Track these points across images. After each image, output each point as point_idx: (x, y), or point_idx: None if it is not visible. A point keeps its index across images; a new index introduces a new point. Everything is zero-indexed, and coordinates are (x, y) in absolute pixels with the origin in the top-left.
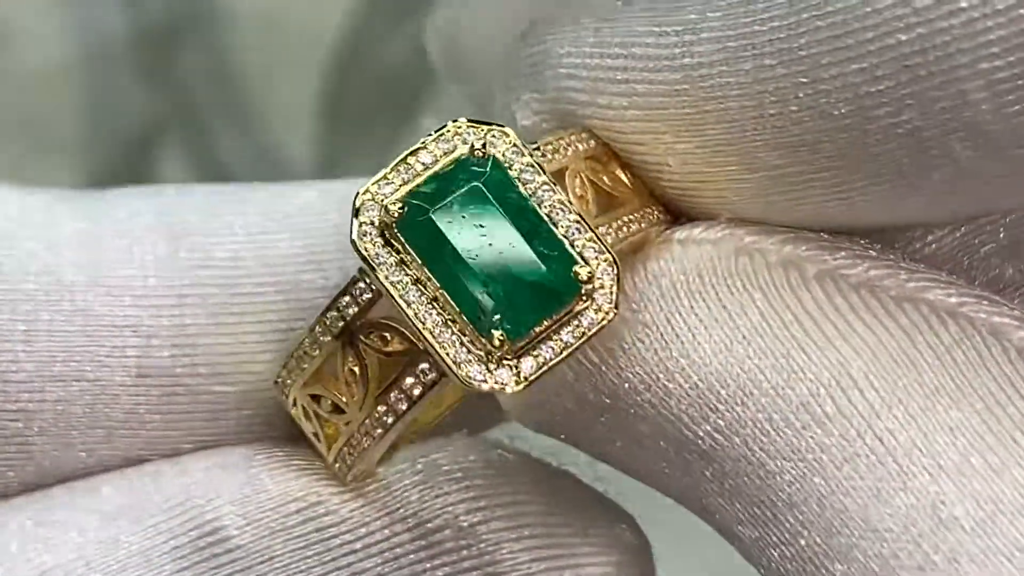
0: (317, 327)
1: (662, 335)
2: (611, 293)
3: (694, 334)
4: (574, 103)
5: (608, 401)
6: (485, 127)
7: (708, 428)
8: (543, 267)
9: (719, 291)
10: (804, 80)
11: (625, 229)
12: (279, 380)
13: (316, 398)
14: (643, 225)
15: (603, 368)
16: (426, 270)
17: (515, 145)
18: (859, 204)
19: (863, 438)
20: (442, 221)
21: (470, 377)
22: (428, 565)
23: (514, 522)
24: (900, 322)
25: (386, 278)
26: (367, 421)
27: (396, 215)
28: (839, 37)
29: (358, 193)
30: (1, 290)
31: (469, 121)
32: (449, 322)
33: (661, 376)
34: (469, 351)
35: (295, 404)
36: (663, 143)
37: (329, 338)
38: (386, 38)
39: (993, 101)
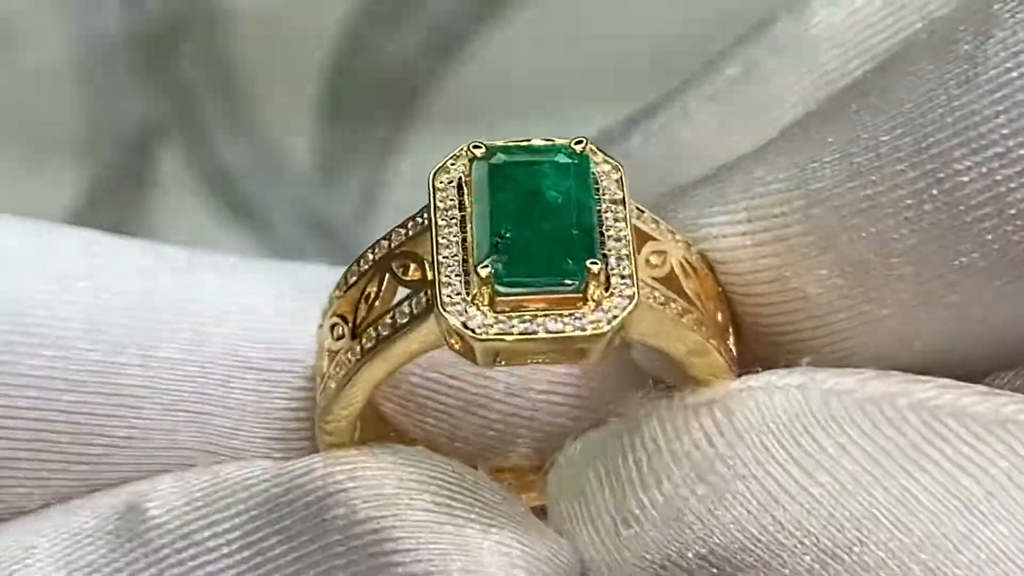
0: (362, 258)
1: (767, 490)
2: (619, 312)
3: (801, 484)
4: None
5: (711, 562)
6: (601, 153)
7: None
8: (569, 248)
9: (816, 435)
10: (939, 176)
11: (682, 309)
12: (323, 312)
13: (332, 328)
14: (701, 329)
15: (705, 527)
16: (473, 205)
17: (614, 169)
18: (997, 312)
19: (997, 564)
20: (511, 170)
21: (446, 301)
22: (321, 544)
23: (416, 510)
24: (1004, 444)
25: (435, 208)
26: (351, 347)
27: (476, 155)
28: (970, 128)
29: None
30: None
31: (592, 143)
32: (462, 260)
33: (772, 530)
34: (463, 282)
35: (320, 348)
36: (793, 274)
37: (367, 266)
38: (386, 38)
39: None
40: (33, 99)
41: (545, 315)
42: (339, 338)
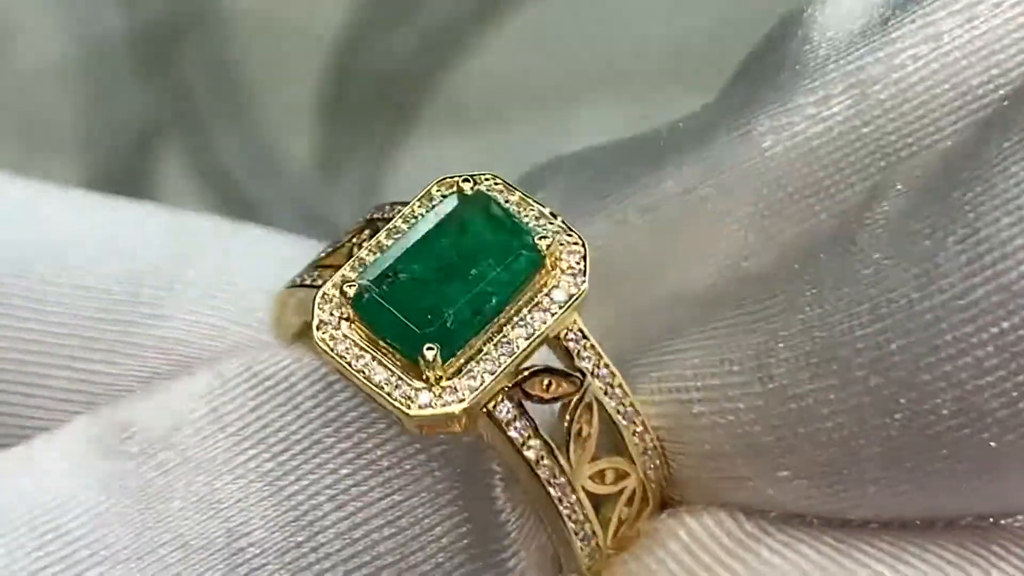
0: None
1: None
2: (434, 407)
3: None
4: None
5: None
6: (573, 237)
7: None
8: (428, 328)
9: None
10: (904, 385)
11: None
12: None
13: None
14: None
15: None
16: (415, 224)
17: (575, 284)
18: (967, 500)
19: None
20: (469, 222)
21: (320, 293)
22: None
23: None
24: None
25: (401, 215)
26: (300, 274)
27: (463, 186)
28: (937, 335)
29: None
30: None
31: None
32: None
33: None
34: (344, 279)
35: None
36: (754, 475)
37: (362, 221)
38: (386, 38)
39: None
40: (33, 99)
41: (383, 364)
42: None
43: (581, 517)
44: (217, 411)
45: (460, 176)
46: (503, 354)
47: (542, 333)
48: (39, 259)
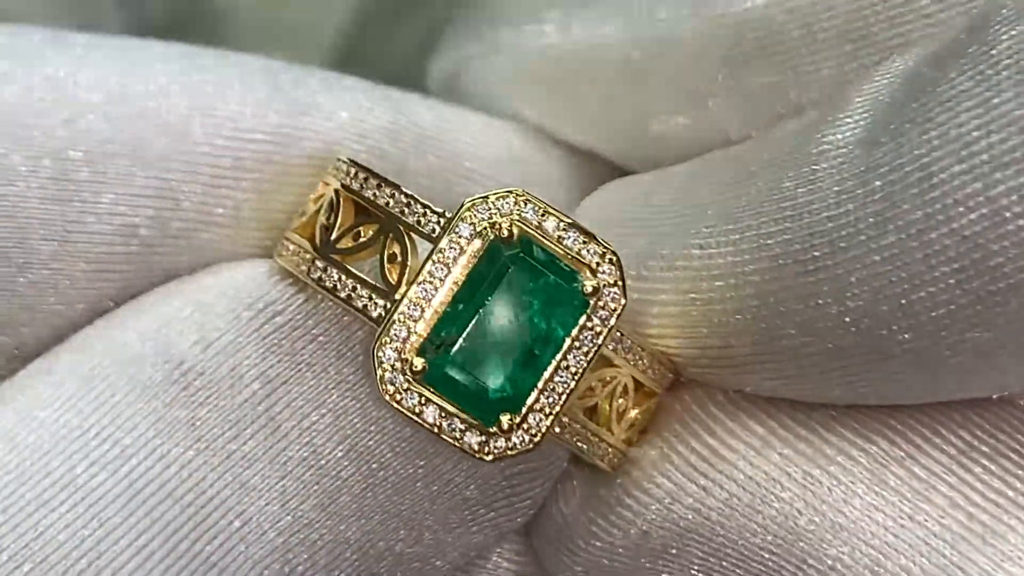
0: (385, 189)
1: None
2: (507, 451)
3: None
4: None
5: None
6: (604, 250)
7: None
8: (495, 399)
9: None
10: (860, 313)
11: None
12: (337, 164)
13: (332, 206)
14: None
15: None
16: (461, 284)
17: (617, 300)
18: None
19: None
20: (517, 277)
21: (379, 350)
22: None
23: None
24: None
25: (438, 251)
26: (317, 262)
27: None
28: (893, 272)
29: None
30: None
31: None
32: (422, 320)
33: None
34: (403, 344)
35: (325, 194)
36: (738, 381)
37: (383, 204)
38: (386, 38)
39: None
40: None
41: (453, 416)
42: (326, 227)
43: (614, 459)
44: (269, 354)
45: (485, 196)
46: (562, 389)
47: (592, 359)
48: None
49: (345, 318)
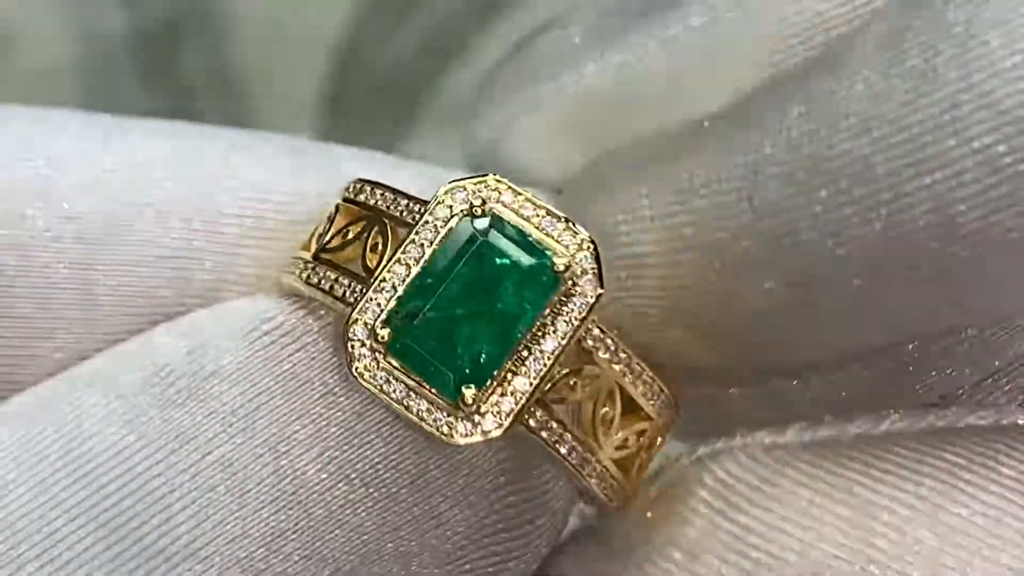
0: (377, 189)
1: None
2: (475, 435)
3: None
4: (639, 266)
5: None
6: (580, 237)
7: None
8: (463, 366)
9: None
10: (886, 197)
11: (558, 441)
12: (346, 186)
13: (330, 218)
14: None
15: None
16: (435, 255)
17: (593, 289)
18: (932, 317)
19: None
20: (488, 250)
21: (353, 331)
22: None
23: None
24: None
25: (422, 224)
26: (308, 262)
27: (474, 211)
28: (921, 148)
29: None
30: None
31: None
32: (392, 295)
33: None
34: (375, 319)
35: (329, 210)
36: (738, 289)
37: (372, 203)
38: (386, 38)
39: None
40: (33, 99)
41: (420, 395)
42: (322, 234)
43: (609, 485)
44: (254, 359)
45: (462, 181)
46: (533, 372)
47: (565, 345)
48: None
49: (332, 327)
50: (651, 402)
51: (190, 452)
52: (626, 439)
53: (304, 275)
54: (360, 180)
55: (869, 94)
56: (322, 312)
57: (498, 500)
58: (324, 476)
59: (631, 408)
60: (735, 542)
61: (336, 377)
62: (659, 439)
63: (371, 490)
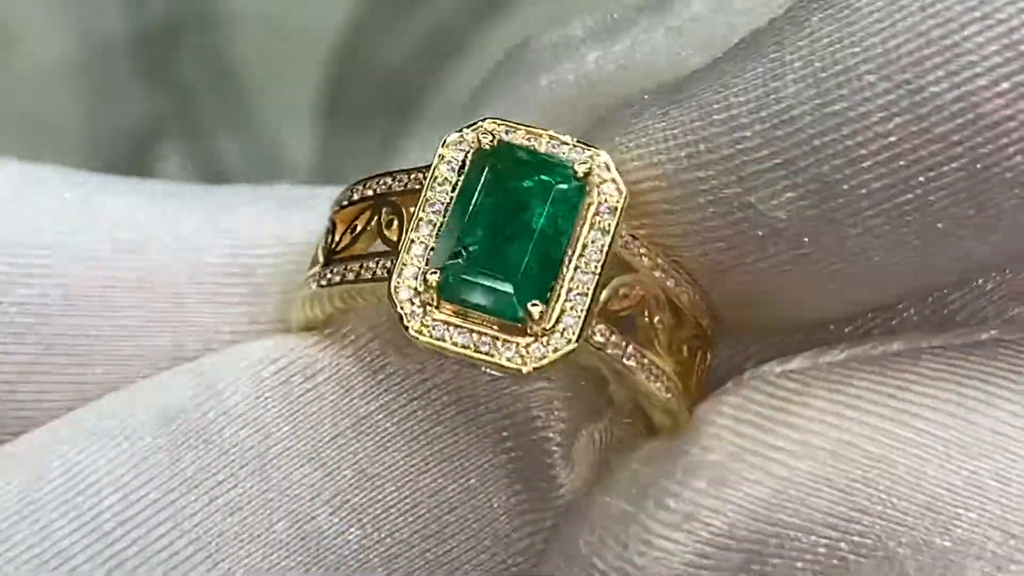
0: (368, 182)
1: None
2: (551, 354)
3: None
4: (658, 191)
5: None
6: (591, 151)
7: None
8: (523, 283)
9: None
10: (910, 87)
11: (627, 353)
12: (331, 205)
13: (328, 232)
14: (640, 374)
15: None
16: (457, 199)
17: (616, 193)
18: (959, 233)
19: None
20: (506, 178)
21: (399, 291)
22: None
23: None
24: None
25: (432, 180)
26: (324, 271)
27: (483, 146)
28: (944, 36)
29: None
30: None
31: (605, 161)
32: (429, 249)
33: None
34: (421, 273)
35: (322, 232)
36: (759, 200)
37: (370, 193)
38: (386, 38)
39: None
40: (33, 99)
41: (482, 334)
42: (325, 248)
43: (678, 397)
44: (264, 399)
45: (458, 132)
46: (586, 284)
47: (607, 252)
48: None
49: (347, 368)
50: (697, 309)
51: (199, 496)
52: (680, 348)
53: (323, 283)
54: (348, 185)
55: None
56: (333, 349)
57: (511, 544)
58: (336, 521)
59: (678, 317)
60: (763, 462)
61: (348, 420)
62: (709, 354)
63: (384, 535)
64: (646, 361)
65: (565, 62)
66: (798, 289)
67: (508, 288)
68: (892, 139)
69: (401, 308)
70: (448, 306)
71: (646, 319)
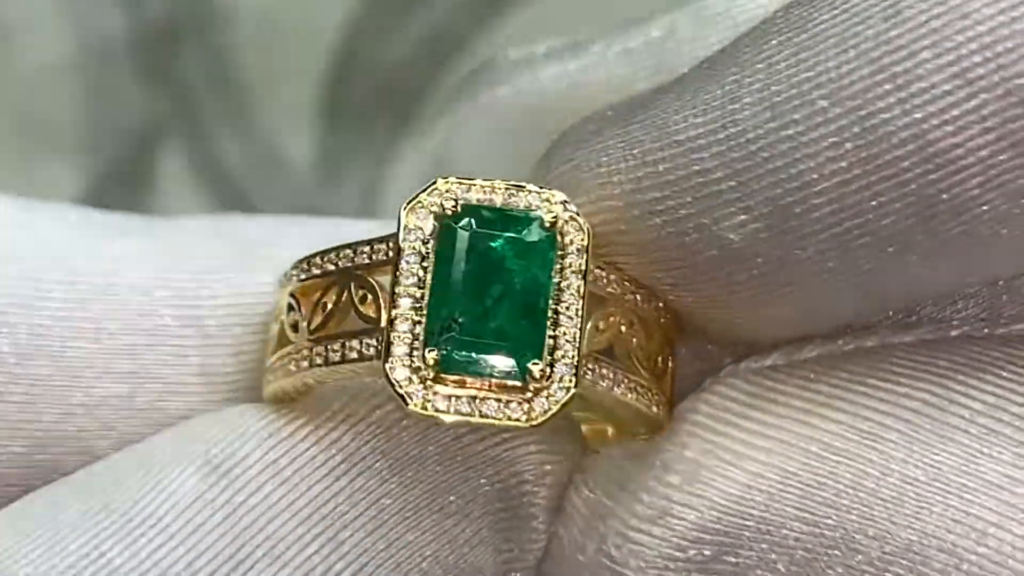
0: (325, 256)
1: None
2: (554, 406)
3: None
4: (614, 211)
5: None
6: (546, 194)
7: None
8: (516, 344)
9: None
10: (861, 113)
11: (620, 378)
12: (284, 275)
13: (291, 307)
14: (636, 395)
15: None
16: (435, 269)
17: (581, 232)
18: (910, 258)
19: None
20: (478, 241)
21: (395, 368)
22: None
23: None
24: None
25: (401, 253)
26: (302, 351)
27: (446, 213)
28: (895, 63)
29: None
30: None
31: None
32: (414, 322)
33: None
34: (411, 349)
35: (281, 305)
36: (712, 221)
37: (331, 268)
38: (386, 38)
39: None
40: (34, 99)
41: (484, 399)
42: (293, 325)
43: (667, 411)
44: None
45: (415, 198)
46: (570, 331)
47: (584, 294)
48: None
49: (322, 453)
50: (664, 323)
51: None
52: (655, 360)
53: (303, 363)
54: (298, 261)
55: (848, 14)
56: (315, 435)
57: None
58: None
59: (647, 330)
60: (735, 459)
61: (315, 507)
62: (671, 358)
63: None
64: (633, 384)
65: (524, 76)
66: (751, 308)
67: (507, 353)
68: (843, 164)
69: (400, 387)
70: (447, 378)
71: (624, 344)
